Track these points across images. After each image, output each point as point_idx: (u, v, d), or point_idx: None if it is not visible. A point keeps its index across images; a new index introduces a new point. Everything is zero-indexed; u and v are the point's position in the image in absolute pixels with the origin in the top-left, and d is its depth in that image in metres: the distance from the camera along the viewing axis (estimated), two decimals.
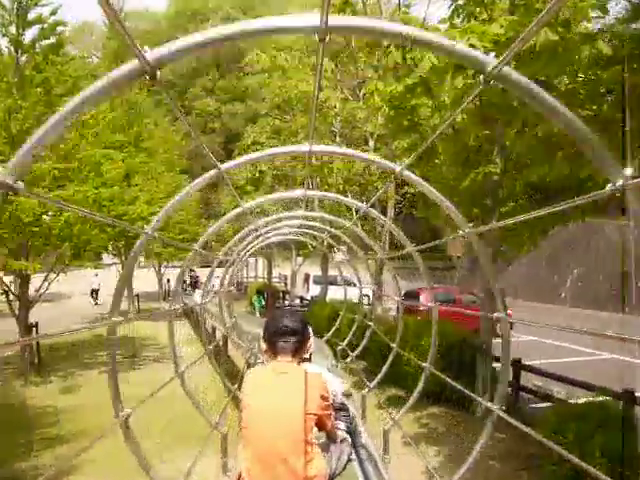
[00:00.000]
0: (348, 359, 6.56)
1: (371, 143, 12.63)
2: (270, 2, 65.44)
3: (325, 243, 19.61)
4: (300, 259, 25.44)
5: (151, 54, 1.21)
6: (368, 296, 29.11)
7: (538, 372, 9.77)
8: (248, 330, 11.76)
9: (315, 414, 2.58)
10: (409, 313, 18.72)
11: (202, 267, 48.32)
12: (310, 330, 3.18)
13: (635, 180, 1.25)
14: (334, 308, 15.75)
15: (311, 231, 7.06)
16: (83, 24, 63.63)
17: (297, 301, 25.23)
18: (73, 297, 31.93)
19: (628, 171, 1.27)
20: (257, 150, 21.65)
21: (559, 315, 24.64)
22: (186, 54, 1.25)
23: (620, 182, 1.27)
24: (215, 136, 67.91)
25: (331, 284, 20.94)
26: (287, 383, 2.62)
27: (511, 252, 9.54)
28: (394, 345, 4.85)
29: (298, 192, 3.49)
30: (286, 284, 31.44)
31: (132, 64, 1.21)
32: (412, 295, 19.54)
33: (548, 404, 9.18)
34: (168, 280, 36.73)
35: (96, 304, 29.46)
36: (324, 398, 2.66)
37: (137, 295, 24.69)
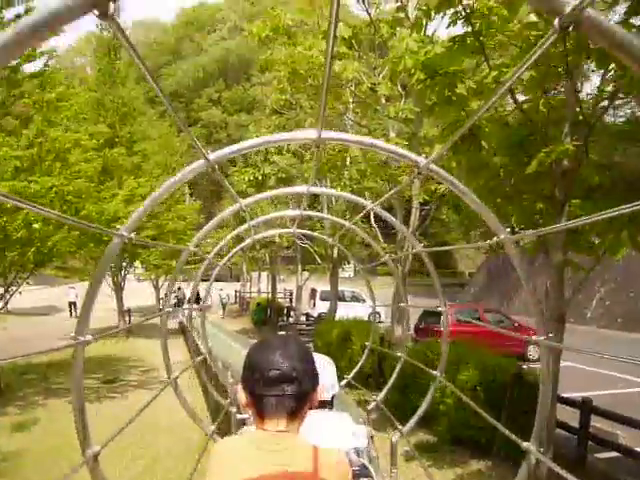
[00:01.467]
0: (371, 404, 4.51)
1: (392, 134, 10.52)
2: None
3: (334, 253, 17.84)
4: (306, 274, 23.45)
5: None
6: (379, 314, 27.45)
7: (614, 417, 7.50)
8: (224, 359, 9.92)
9: None
10: (428, 335, 16.71)
11: (202, 281, 46.74)
12: (326, 367, 2.68)
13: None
14: (344, 327, 13.54)
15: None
16: (90, 35, 62.33)
17: (303, 318, 23.22)
18: (56, 313, 30.17)
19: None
20: (259, 151, 19.82)
21: (588, 337, 22.30)
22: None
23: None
24: (220, 147, 66.67)
25: (339, 300, 18.90)
26: (281, 469, 1.44)
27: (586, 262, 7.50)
28: (437, 373, 3.42)
29: (301, 188, 2.86)
30: (291, 300, 29.35)
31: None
32: (433, 314, 17.45)
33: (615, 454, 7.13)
34: (166, 294, 34.64)
35: (75, 317, 27.42)
36: None
37: (129, 310, 22.63)
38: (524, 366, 9.08)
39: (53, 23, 0.92)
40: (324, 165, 10.83)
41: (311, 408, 1.61)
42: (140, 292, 36.04)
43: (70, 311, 30.18)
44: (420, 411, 3.69)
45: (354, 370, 5.00)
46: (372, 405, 4.26)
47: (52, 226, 9.94)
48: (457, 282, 48.55)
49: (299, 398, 1.53)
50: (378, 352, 11.98)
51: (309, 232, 5.48)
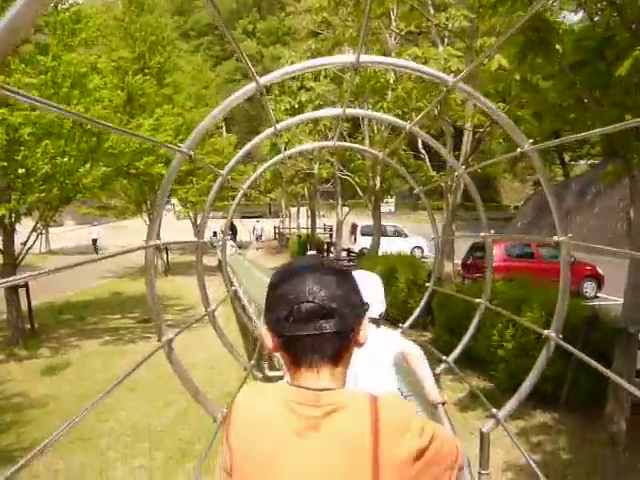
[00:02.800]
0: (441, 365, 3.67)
1: (441, 48, 9.24)
2: None
3: (376, 184, 16.80)
4: (346, 209, 22.57)
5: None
6: (422, 248, 26.53)
7: None
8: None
9: None
10: (476, 272, 15.75)
11: (243, 218, 46.52)
12: (370, 282, 2.70)
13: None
14: (388, 263, 12.70)
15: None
16: None
17: (344, 254, 22.51)
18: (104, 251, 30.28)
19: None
20: (295, 77, 18.63)
21: None
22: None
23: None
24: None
25: (381, 235, 18.01)
26: (327, 446, 1.05)
27: None
28: (481, 301, 3.02)
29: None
30: (331, 235, 28.65)
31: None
32: (481, 248, 16.45)
33: None
34: (199, 227, 34.70)
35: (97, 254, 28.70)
36: (419, 454, 1.05)
37: (166, 249, 22.30)
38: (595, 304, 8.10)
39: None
40: (366, 84, 9.71)
41: (358, 345, 1.20)
42: (180, 230, 36.06)
43: (95, 249, 30.81)
44: (465, 339, 3.40)
45: (411, 318, 4.20)
46: (442, 367, 3.46)
47: (74, 159, 9.24)
48: (502, 216, 47.04)
49: (343, 336, 1.15)
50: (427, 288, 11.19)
51: (352, 145, 4.58)
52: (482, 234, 2.86)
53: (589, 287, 16.16)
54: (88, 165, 9.85)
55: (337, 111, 2.59)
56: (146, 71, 19.38)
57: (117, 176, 12.11)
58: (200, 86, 25.98)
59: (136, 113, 15.98)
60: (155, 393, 7.92)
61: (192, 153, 1.80)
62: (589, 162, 44.63)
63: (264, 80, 1.69)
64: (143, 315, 13.56)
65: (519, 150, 1.87)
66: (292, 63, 18.21)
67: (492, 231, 2.91)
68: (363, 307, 1.20)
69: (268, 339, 1.18)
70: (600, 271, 16.22)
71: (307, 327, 1.12)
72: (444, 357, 3.45)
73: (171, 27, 24.99)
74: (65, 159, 9.23)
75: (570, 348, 1.90)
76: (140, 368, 1.69)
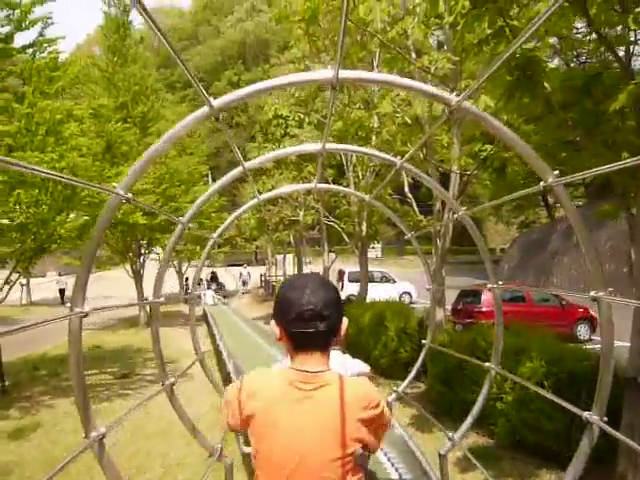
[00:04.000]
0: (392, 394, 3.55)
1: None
2: None
3: (363, 230, 16.54)
4: (333, 255, 22.25)
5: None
6: (410, 294, 26.14)
7: None
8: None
9: (362, 441, 1.68)
10: (467, 317, 15.36)
11: (229, 266, 46.02)
12: (352, 362, 3.00)
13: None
14: (377, 310, 12.27)
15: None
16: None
17: None
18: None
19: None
20: (278, 125, 18.51)
21: None
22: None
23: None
24: (241, 130, 66.46)
25: (369, 281, 17.62)
26: (321, 410, 1.65)
27: None
28: (490, 365, 2.85)
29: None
30: None
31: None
32: (470, 294, 16.11)
33: None
34: (187, 278, 34.34)
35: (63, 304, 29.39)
36: (369, 421, 1.68)
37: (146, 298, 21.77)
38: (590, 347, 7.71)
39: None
40: (350, 129, 9.54)
41: (341, 336, 1.76)
42: (165, 279, 35.40)
43: (62, 299, 30.97)
44: (474, 411, 3.16)
45: (406, 381, 3.80)
46: (393, 396, 3.64)
47: (48, 209, 8.87)
48: (489, 259, 46.92)
49: (330, 332, 1.70)
50: (418, 337, 10.77)
51: (334, 187, 4.36)
52: (490, 285, 2.54)
53: (582, 330, 15.84)
54: (64, 214, 9.47)
55: (316, 146, 2.42)
56: (129, 120, 19.28)
57: (94, 225, 11.68)
58: (185, 136, 25.93)
59: (118, 162, 15.74)
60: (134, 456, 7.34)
61: (129, 195, 1.66)
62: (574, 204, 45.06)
63: (218, 102, 1.55)
64: (122, 370, 12.95)
65: (542, 184, 1.69)
66: (275, 110, 18.25)
67: (493, 282, 2.63)
68: (343, 312, 1.74)
69: (277, 331, 1.72)
70: (593, 313, 15.92)
71: (307, 326, 1.64)
72: (395, 387, 3.60)
73: (156, 78, 25.11)
74: (39, 209, 8.86)
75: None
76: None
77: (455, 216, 2.52)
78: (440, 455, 3.17)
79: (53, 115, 8.69)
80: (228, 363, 9.33)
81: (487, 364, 2.87)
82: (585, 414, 1.91)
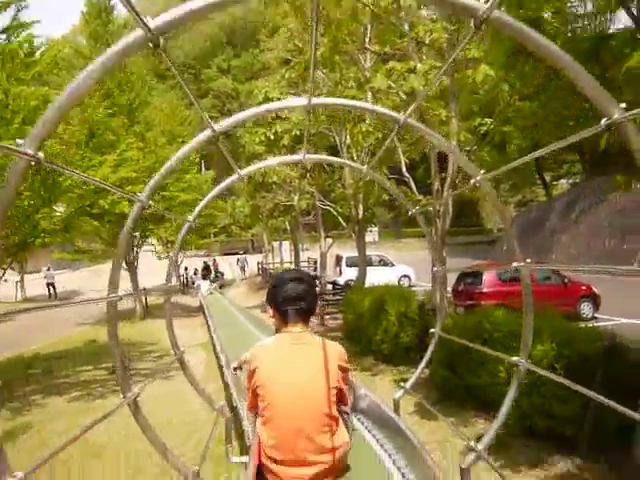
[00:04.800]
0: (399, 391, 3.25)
1: (419, 65, 8.63)
2: None
3: (359, 213, 16.14)
4: (329, 240, 21.88)
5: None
6: (409, 277, 25.82)
7: None
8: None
9: (337, 387, 2.47)
10: (468, 299, 15.02)
11: (226, 255, 45.60)
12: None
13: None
14: (376, 295, 11.90)
15: None
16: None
17: (329, 287, 21.70)
18: (75, 297, 29.35)
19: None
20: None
21: None
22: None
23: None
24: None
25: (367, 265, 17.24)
26: (306, 356, 2.49)
27: None
28: (520, 360, 2.63)
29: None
30: (315, 269, 27.88)
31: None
32: (471, 275, 15.76)
33: None
34: (186, 268, 34.00)
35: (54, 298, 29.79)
36: (344, 369, 2.54)
37: (144, 289, 21.27)
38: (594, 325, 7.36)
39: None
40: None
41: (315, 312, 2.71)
42: (161, 270, 35.01)
43: (49, 292, 30.59)
44: (502, 414, 2.89)
45: (413, 377, 3.44)
46: (400, 393, 3.47)
47: (28, 201, 8.44)
48: (486, 239, 46.64)
49: (309, 310, 2.61)
50: (419, 322, 10.42)
51: (324, 156, 4.01)
52: (516, 264, 2.21)
53: (586, 308, 15.52)
54: (47, 208, 9.04)
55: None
56: (114, 108, 18.76)
57: (79, 217, 11.24)
58: (175, 123, 25.41)
59: (105, 151, 15.25)
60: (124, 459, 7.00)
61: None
62: (570, 181, 44.71)
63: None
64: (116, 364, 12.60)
65: (604, 121, 1.41)
66: (266, 93, 17.73)
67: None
68: (317, 297, 2.84)
69: (270, 311, 2.64)
70: (596, 290, 15.61)
71: (293, 305, 2.54)
72: (402, 383, 3.38)
73: (144, 66, 24.48)
74: (20, 201, 8.43)
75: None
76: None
77: (473, 181, 2.15)
78: (462, 469, 2.74)
79: (28, 102, 8.24)
80: (221, 355, 9.06)
81: (515, 358, 2.65)
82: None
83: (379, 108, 2.56)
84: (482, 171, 2.33)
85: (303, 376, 2.38)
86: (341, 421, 2.49)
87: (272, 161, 5.48)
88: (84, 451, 6.90)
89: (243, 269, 36.95)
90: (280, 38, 20.72)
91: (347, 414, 2.74)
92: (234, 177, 2.02)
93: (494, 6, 1.22)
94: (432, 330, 3.24)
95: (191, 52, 76.83)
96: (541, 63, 6.28)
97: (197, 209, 2.51)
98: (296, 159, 2.97)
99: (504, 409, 2.85)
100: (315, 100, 2.05)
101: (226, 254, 45.72)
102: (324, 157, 3.60)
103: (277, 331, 2.60)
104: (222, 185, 2.18)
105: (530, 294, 2.64)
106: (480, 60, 7.23)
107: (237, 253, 42.70)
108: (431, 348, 3.28)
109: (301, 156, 2.66)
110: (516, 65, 6.46)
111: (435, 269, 3.11)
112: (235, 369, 3.35)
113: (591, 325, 8.62)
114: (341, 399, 2.52)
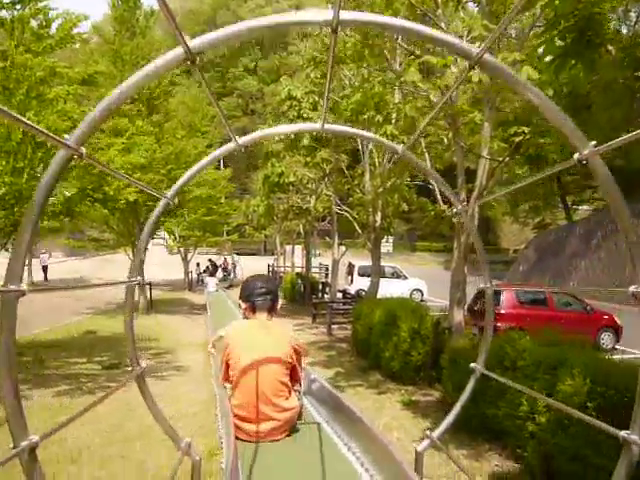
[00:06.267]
0: (423, 441, 2.59)
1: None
2: None
3: (377, 221, 15.48)
4: (343, 247, 21.27)
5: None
6: (421, 291, 25.08)
7: None
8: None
9: (290, 363, 3.40)
10: (482, 320, 14.29)
11: (239, 254, 45.10)
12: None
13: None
14: (388, 308, 11.20)
15: None
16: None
17: (339, 295, 21.03)
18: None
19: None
20: (292, 106, 17.51)
21: None
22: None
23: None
24: (256, 117, 65.49)
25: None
26: (267, 336, 3.41)
27: None
28: (476, 366, 2.63)
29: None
30: (327, 275, 27.24)
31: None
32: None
33: None
34: (198, 264, 33.52)
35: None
36: (297, 351, 3.49)
37: (149, 283, 20.74)
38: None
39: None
40: (369, 101, 8.48)
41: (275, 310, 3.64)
42: (171, 265, 34.54)
43: (45, 275, 31.10)
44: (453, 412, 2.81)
45: (442, 426, 2.80)
46: (424, 444, 2.75)
47: (26, 178, 7.90)
48: (501, 259, 45.68)
49: (273, 302, 3.57)
50: (432, 340, 9.73)
51: (346, 128, 3.46)
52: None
53: (607, 338, 14.77)
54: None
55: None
56: (135, 97, 18.32)
57: (81, 200, 10.64)
58: (195, 116, 24.99)
59: (119, 132, 14.74)
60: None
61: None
62: (592, 208, 43.70)
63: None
64: (112, 359, 12.03)
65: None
66: (289, 92, 17.19)
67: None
68: (279, 294, 3.84)
69: (243, 305, 3.62)
70: (618, 321, 14.84)
71: (261, 298, 3.52)
72: (427, 432, 2.94)
73: (160, 46, 24.06)
74: (17, 179, 7.89)
75: None
76: None
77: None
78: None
79: (33, 72, 7.71)
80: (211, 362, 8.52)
81: (472, 365, 2.76)
82: (622, 433, 1.62)
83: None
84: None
85: (264, 350, 3.29)
86: (293, 391, 3.42)
87: (282, 128, 5.12)
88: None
89: (227, 272, 34.83)
90: (309, 40, 20.26)
91: (299, 392, 3.65)
92: (230, 144, 1.83)
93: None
94: (472, 365, 2.59)
95: (219, 50, 76.83)
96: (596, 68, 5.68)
97: (179, 182, 2.21)
98: (314, 127, 2.41)
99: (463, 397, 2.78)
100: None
101: (238, 254, 45.29)
102: (346, 129, 3.04)
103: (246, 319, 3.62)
104: (216, 153, 2.05)
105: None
106: (525, 61, 6.59)
107: (249, 254, 42.15)
108: (470, 386, 2.65)
109: (319, 125, 2.08)
110: (565, 65, 5.79)
111: (483, 286, 2.46)
112: (212, 346, 4.15)
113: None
114: (293, 375, 3.48)
